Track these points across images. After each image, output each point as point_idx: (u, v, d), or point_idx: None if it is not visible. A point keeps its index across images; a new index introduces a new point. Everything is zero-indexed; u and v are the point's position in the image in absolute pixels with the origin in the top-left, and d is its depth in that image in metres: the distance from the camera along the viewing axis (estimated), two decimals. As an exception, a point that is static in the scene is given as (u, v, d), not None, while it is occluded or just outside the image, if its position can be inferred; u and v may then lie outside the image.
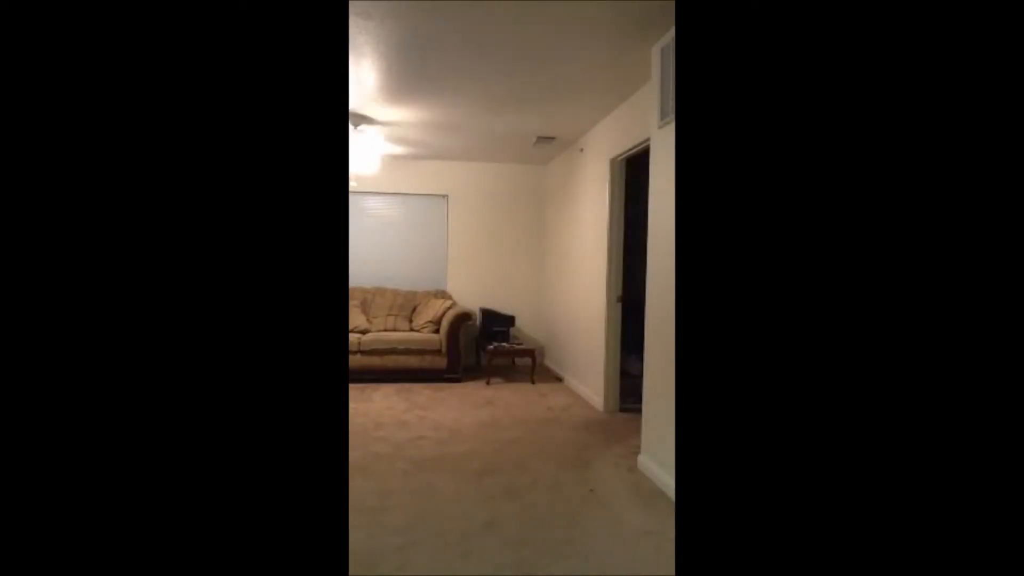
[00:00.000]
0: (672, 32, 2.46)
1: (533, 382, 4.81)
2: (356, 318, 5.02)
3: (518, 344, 5.12)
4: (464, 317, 4.88)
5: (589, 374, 4.21)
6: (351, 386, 4.51)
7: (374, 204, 5.59)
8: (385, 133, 4.27)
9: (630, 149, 3.51)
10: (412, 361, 4.72)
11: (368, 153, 4.17)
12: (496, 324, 5.13)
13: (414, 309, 5.24)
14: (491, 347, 4.89)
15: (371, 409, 3.89)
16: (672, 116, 2.47)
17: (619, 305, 3.86)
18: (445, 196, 5.63)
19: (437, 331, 4.91)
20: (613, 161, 3.80)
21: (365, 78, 3.22)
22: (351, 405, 3.96)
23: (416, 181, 5.58)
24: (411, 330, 5.01)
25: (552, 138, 4.52)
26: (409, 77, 3.20)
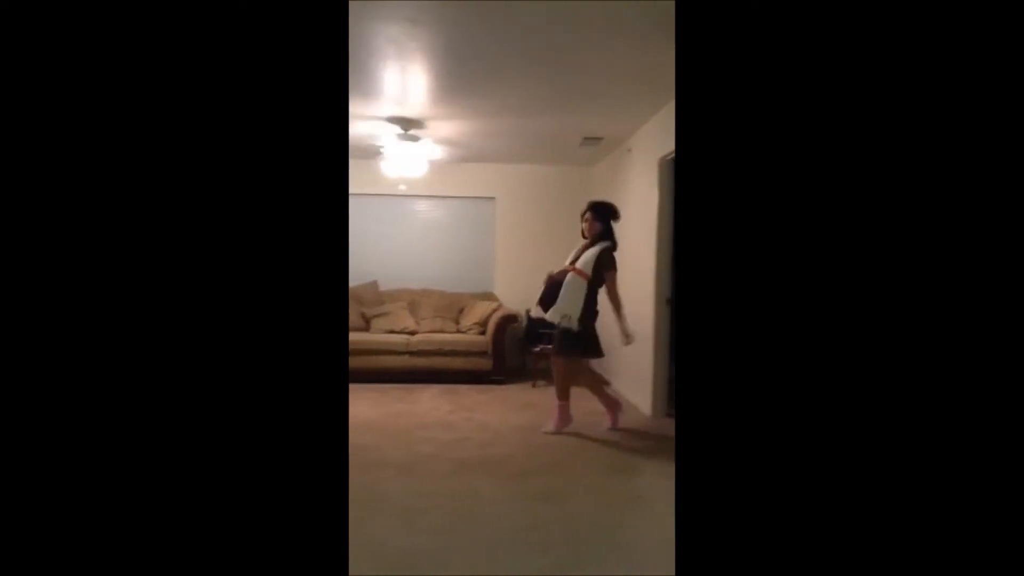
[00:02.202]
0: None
1: (578, 385, 4.74)
2: (404, 319, 5.10)
3: (564, 347, 5.08)
4: (510, 319, 4.88)
5: (637, 378, 4.13)
6: (399, 386, 4.58)
7: (422, 207, 5.67)
8: (433, 137, 4.32)
9: (680, 148, 3.41)
10: (458, 362, 4.76)
11: (416, 157, 4.23)
12: (542, 326, 5.10)
13: (461, 311, 5.28)
14: (537, 349, 4.87)
15: (417, 410, 3.94)
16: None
17: (668, 308, 3.77)
18: (492, 198, 5.65)
19: (483, 333, 4.93)
20: (662, 161, 3.71)
21: (413, 83, 3.26)
22: (400, 405, 4.03)
23: (463, 184, 5.62)
24: (457, 332, 5.05)
25: (599, 138, 4.46)
26: (457, 81, 3.23)
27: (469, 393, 4.44)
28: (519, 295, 5.54)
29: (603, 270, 3.28)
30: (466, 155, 5.16)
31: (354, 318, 5.14)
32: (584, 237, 3.44)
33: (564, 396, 3.42)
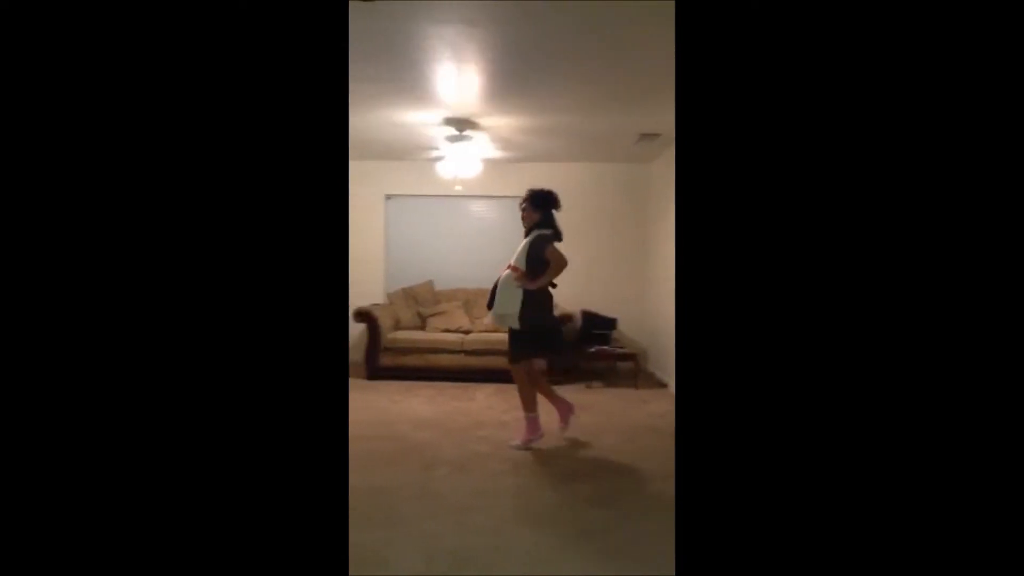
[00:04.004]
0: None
1: (636, 387, 4.66)
2: (460, 318, 5.15)
3: (620, 347, 5.00)
4: (565, 319, 4.84)
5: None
6: (454, 385, 4.63)
7: (477, 207, 5.71)
8: (488, 137, 4.34)
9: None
10: (512, 362, 4.76)
11: (471, 157, 4.26)
12: (597, 326, 5.04)
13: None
14: (592, 350, 4.81)
15: (473, 408, 3.97)
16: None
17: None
18: (547, 198, 5.62)
19: (537, 333, 4.91)
20: (723, 157, 3.58)
21: (469, 84, 3.28)
22: (455, 403, 4.07)
23: (518, 183, 5.59)
24: (512, 331, 5.05)
25: (656, 135, 4.36)
26: (511, 79, 3.22)
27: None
28: (573, 294, 5.48)
29: (539, 255, 3.01)
30: (521, 154, 5.16)
31: (410, 317, 5.23)
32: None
33: (531, 407, 3.11)
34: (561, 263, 3.03)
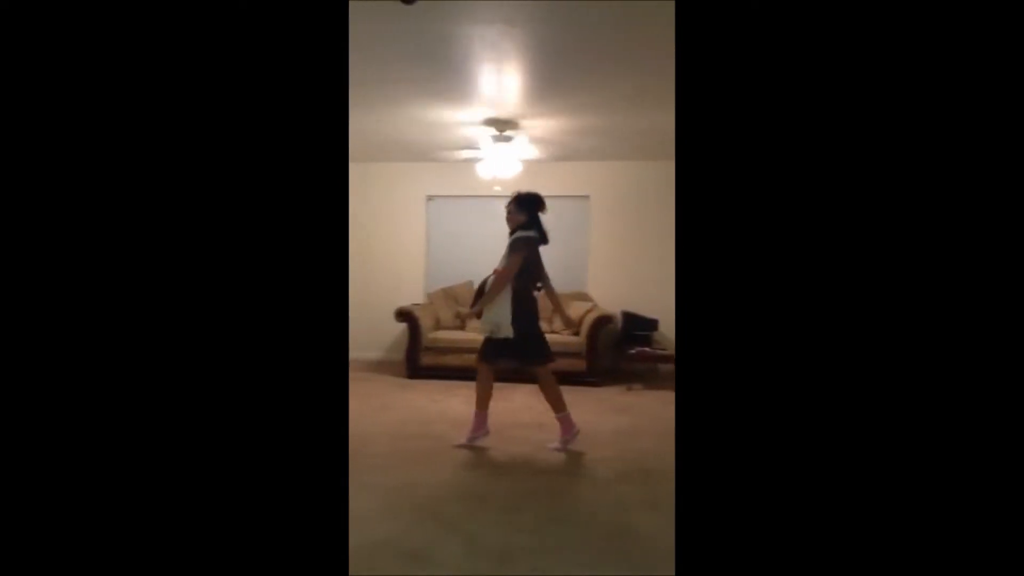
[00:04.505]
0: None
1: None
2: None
3: (661, 349, 4.92)
4: (605, 320, 4.80)
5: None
6: (494, 385, 4.64)
7: (517, 207, 5.70)
8: (528, 137, 4.33)
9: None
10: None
11: (510, 157, 4.26)
12: (638, 327, 4.98)
13: (554, 311, 5.26)
14: (632, 351, 4.75)
15: (512, 408, 3.97)
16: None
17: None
18: (586, 197, 5.58)
19: (577, 333, 4.88)
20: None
21: (508, 84, 3.29)
22: (494, 403, 4.07)
23: (558, 183, 5.59)
24: (551, 332, 5.02)
25: (700, 133, 4.27)
26: (551, 79, 3.21)
27: (562, 394, 4.40)
28: (614, 295, 5.44)
29: (508, 253, 2.97)
30: (560, 154, 5.14)
31: (449, 317, 5.27)
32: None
33: (482, 405, 3.12)
34: (502, 279, 2.96)
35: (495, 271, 3.03)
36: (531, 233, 3.03)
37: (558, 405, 3.11)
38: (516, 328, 2.96)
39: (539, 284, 3.11)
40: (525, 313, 3.02)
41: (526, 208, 3.10)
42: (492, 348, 3.06)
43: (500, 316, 2.95)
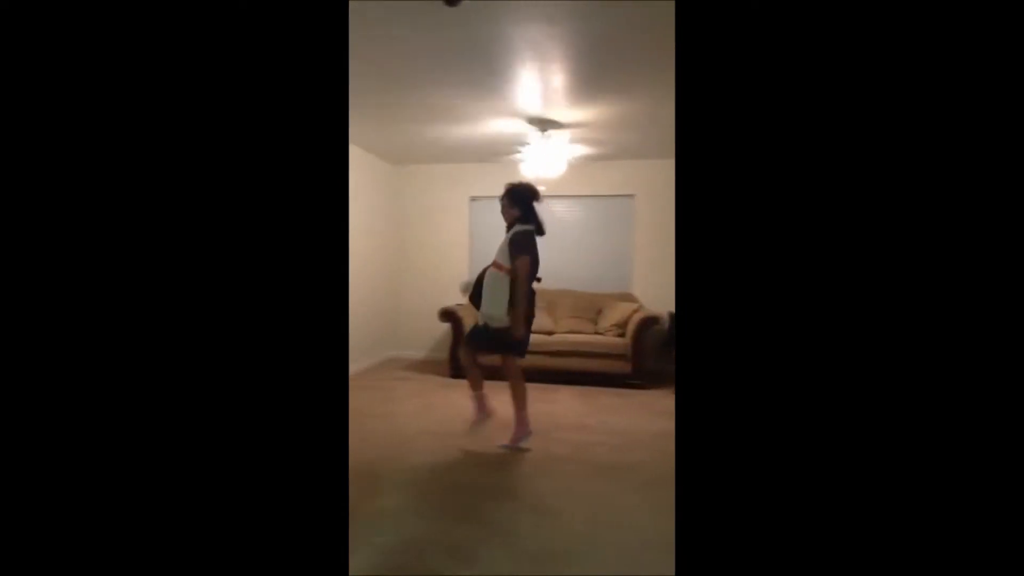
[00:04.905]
0: None
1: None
2: (542, 319, 5.14)
3: (708, 351, 4.79)
4: (651, 321, 4.71)
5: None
6: (535, 386, 4.62)
7: (560, 208, 5.68)
8: (571, 136, 4.30)
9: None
10: (595, 364, 4.69)
11: (554, 157, 4.24)
12: (684, 329, 4.86)
13: (599, 311, 5.21)
14: (678, 353, 4.64)
15: (554, 410, 3.95)
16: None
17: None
18: (631, 196, 5.50)
19: (622, 335, 4.81)
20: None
21: (551, 82, 3.27)
22: (536, 405, 4.06)
23: (602, 182, 5.54)
24: (595, 333, 4.98)
25: (750, 129, 4.14)
26: (594, 77, 3.18)
27: (606, 396, 4.36)
28: (660, 296, 5.34)
29: (512, 255, 2.90)
30: (604, 152, 5.08)
31: (493, 317, 5.29)
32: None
33: (476, 386, 3.13)
34: (523, 281, 2.92)
35: (495, 264, 3.00)
36: (529, 227, 3.00)
37: (522, 403, 3.10)
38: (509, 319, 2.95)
39: (538, 276, 3.09)
40: (528, 308, 3.01)
41: (520, 201, 3.03)
42: (478, 335, 3.06)
43: (498, 306, 2.93)
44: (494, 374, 3.23)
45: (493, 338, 3.00)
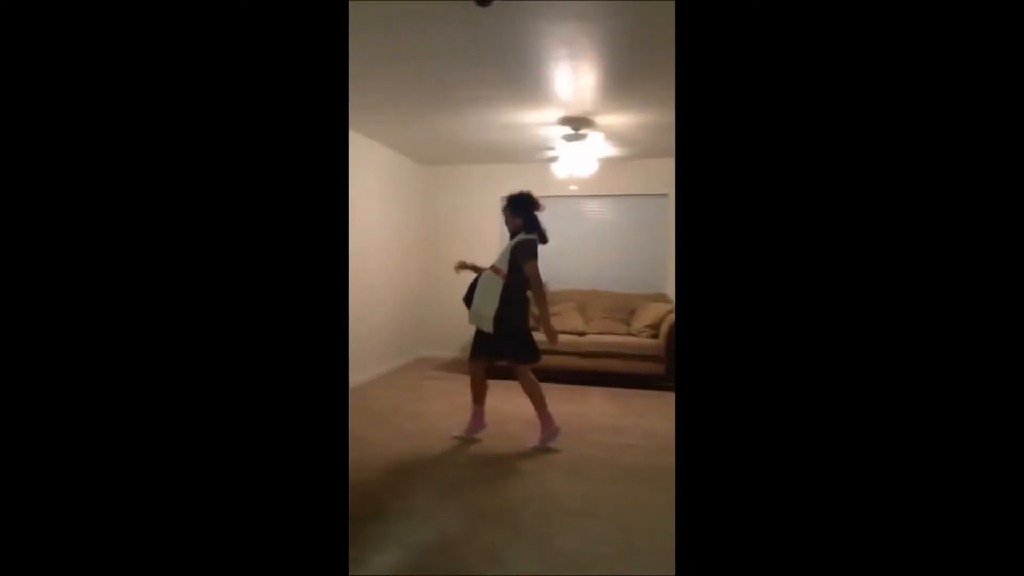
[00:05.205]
0: None
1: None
2: (573, 320, 5.10)
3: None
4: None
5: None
6: (567, 387, 4.60)
7: (592, 207, 5.63)
8: (604, 135, 4.26)
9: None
10: (628, 366, 4.63)
11: (586, 156, 4.20)
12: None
13: (631, 312, 5.14)
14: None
15: (586, 411, 3.91)
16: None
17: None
18: (664, 195, 5.42)
19: (655, 336, 4.74)
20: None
21: (584, 81, 3.23)
22: (567, 406, 4.03)
23: (635, 181, 5.47)
24: (628, 334, 4.91)
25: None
26: (626, 73, 3.13)
27: (638, 398, 4.30)
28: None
29: (520, 262, 3.00)
30: (637, 151, 5.01)
31: (525, 317, 5.26)
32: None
33: (478, 400, 3.21)
34: (539, 285, 3.05)
35: (493, 268, 3.09)
36: (533, 236, 3.08)
37: (540, 404, 3.12)
38: (507, 326, 3.00)
39: (544, 282, 3.16)
40: (519, 312, 3.06)
41: (522, 210, 3.13)
42: (478, 344, 3.12)
43: (485, 308, 3.01)
44: (506, 374, 3.26)
45: (496, 345, 3.06)
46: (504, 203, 3.20)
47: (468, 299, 3.16)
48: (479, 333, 3.11)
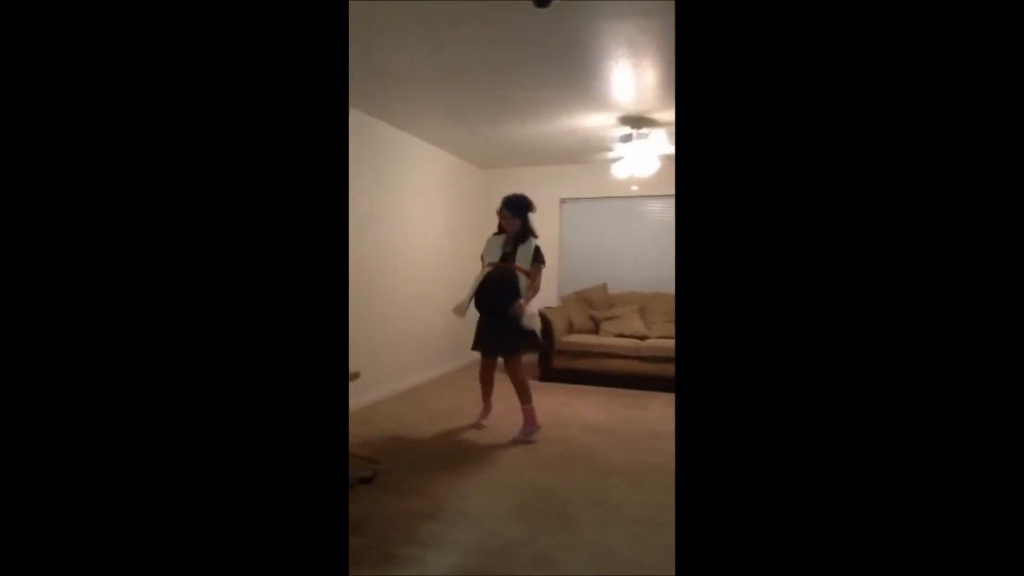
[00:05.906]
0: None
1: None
2: (634, 323, 5.00)
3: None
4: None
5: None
6: (627, 391, 4.51)
7: (654, 207, 5.50)
8: (666, 133, 4.15)
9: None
10: (690, 370, 4.48)
11: (647, 155, 4.10)
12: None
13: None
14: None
15: (646, 417, 3.82)
16: None
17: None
18: (730, 195, 5.22)
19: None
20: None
21: (646, 79, 3.16)
22: (627, 411, 3.95)
23: (698, 181, 5.30)
24: (652, 336, 4.76)
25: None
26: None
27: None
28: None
29: (538, 264, 3.30)
30: (701, 151, 4.85)
31: (583, 320, 5.21)
32: (501, 233, 3.40)
33: (526, 398, 3.33)
34: (538, 284, 3.34)
35: (517, 267, 3.27)
36: (536, 239, 3.35)
37: (524, 396, 3.30)
38: (498, 320, 3.20)
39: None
40: (502, 304, 3.21)
41: (520, 211, 3.30)
42: (516, 340, 3.26)
43: (463, 300, 3.32)
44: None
45: (519, 339, 3.24)
46: (502, 205, 3.35)
47: (491, 302, 3.23)
48: (495, 331, 3.24)
